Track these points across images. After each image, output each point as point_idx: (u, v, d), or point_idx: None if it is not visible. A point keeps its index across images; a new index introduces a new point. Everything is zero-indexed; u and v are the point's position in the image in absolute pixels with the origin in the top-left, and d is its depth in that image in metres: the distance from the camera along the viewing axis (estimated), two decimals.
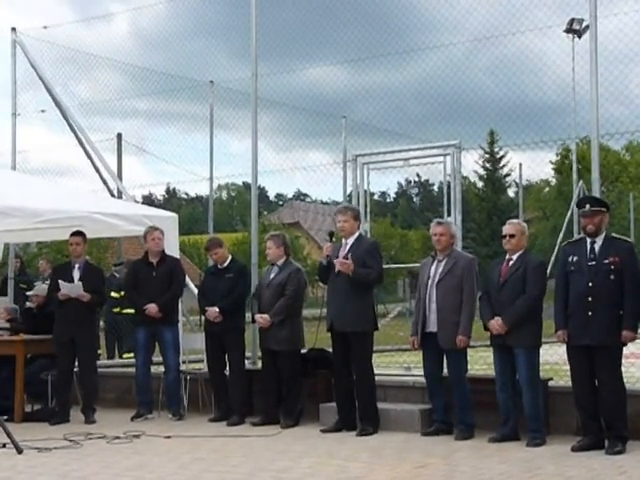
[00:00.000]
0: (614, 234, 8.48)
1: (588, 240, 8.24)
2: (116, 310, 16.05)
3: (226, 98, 15.71)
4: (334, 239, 9.79)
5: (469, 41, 11.90)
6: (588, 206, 8.34)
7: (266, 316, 10.06)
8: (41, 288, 12.05)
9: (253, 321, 10.38)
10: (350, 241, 9.60)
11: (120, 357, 15.87)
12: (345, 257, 9.44)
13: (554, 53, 12.17)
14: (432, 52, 12.13)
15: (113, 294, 15.93)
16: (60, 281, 10.69)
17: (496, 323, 8.67)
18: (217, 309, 10.39)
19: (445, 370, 9.29)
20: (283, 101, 15.17)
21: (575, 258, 8.26)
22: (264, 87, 12.06)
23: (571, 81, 15.18)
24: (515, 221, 9.23)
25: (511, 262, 8.81)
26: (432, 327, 9.16)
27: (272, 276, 10.26)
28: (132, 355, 13.43)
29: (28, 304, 12.06)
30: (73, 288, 10.64)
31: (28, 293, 12.26)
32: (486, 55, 11.93)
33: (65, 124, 14.22)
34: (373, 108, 14.30)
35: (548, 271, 9.47)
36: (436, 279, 9.20)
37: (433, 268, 9.28)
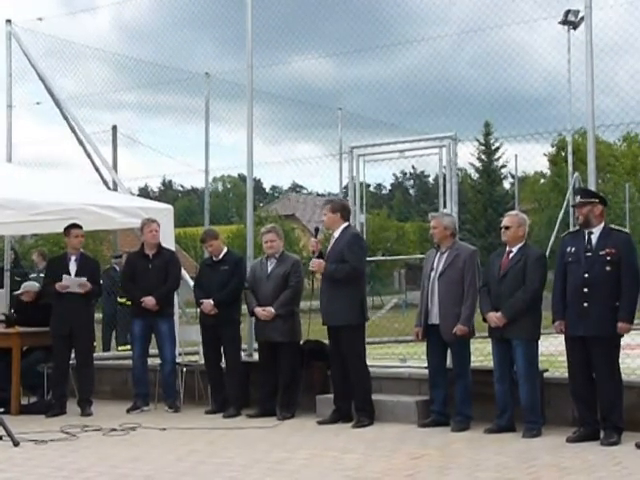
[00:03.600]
0: (612, 225, 8.50)
1: (586, 231, 8.26)
2: (122, 301, 16.02)
3: (215, 90, 15.68)
4: (320, 234, 9.86)
5: (456, 33, 11.87)
6: (578, 197, 8.48)
7: (270, 308, 10.05)
8: (29, 285, 12.08)
9: (252, 314, 10.36)
10: (337, 234, 9.63)
11: (116, 349, 15.88)
12: (319, 256, 9.53)
13: (550, 45, 12.16)
14: (419, 45, 12.11)
15: None
16: (65, 276, 10.69)
17: (494, 316, 8.68)
18: (212, 302, 10.40)
19: (449, 362, 9.34)
20: (272, 93, 15.16)
21: (573, 249, 8.28)
22: (253, 79, 12.04)
23: (561, 73, 15.16)
24: (513, 213, 9.24)
25: (511, 254, 8.82)
26: (435, 319, 9.20)
27: (271, 268, 10.26)
28: (128, 347, 13.46)
29: (17, 293, 12.11)
30: (77, 281, 10.65)
31: (15, 293, 12.28)
32: (474, 47, 11.93)
33: (56, 116, 14.18)
34: (362, 100, 14.31)
35: None
36: (438, 271, 9.23)
37: (436, 260, 9.31)
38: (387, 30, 12.47)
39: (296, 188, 68.30)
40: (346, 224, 9.69)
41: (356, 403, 9.49)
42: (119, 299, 16.25)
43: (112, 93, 16.19)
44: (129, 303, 15.03)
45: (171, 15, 15.55)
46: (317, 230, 9.95)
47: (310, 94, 15.53)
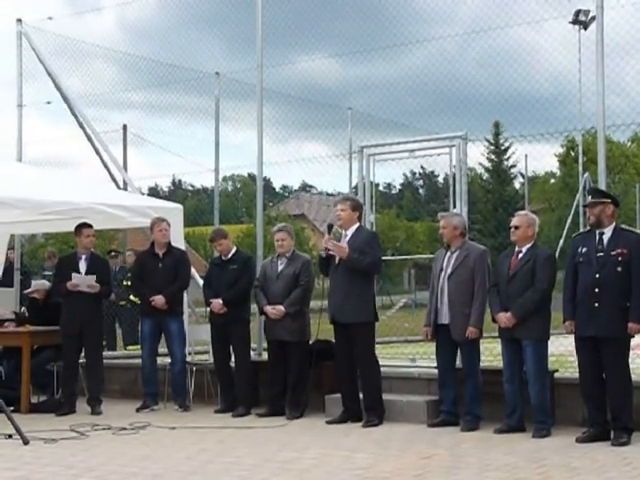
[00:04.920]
0: (623, 226, 8.49)
1: (597, 231, 8.25)
2: (133, 299, 16.06)
3: (223, 89, 15.69)
4: (333, 232, 9.79)
5: (466, 33, 11.84)
6: (590, 197, 8.45)
7: (280, 307, 10.06)
8: (39, 283, 12.13)
9: (261, 313, 10.37)
10: (350, 232, 9.62)
11: (125, 348, 15.90)
12: (327, 255, 9.51)
13: (561, 44, 12.11)
14: (429, 44, 12.09)
15: (125, 283, 15.98)
16: (74, 274, 10.71)
17: (504, 316, 8.67)
18: (221, 301, 10.41)
19: (458, 362, 9.34)
20: (279, 92, 15.15)
21: (584, 249, 8.26)
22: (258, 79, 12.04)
23: (571, 72, 15.11)
24: (522, 212, 9.24)
25: (520, 254, 8.81)
26: (444, 319, 9.20)
27: (281, 267, 10.26)
28: (137, 347, 13.47)
29: (27, 291, 12.13)
30: (85, 280, 10.67)
31: (26, 291, 12.29)
32: (484, 46, 11.90)
33: (65, 116, 14.16)
34: (370, 100, 14.28)
35: None
36: (448, 271, 9.23)
37: (445, 260, 9.31)
38: (394, 30, 12.46)
39: (306, 187, 68.25)
40: (358, 224, 9.71)
41: (366, 402, 9.48)
42: (121, 302, 16.31)
43: (120, 92, 16.20)
44: (136, 300, 15.13)
45: (177, 15, 15.52)
46: (331, 227, 9.85)
47: (317, 94, 15.53)
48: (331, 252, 9.47)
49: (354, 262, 9.37)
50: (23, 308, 12.55)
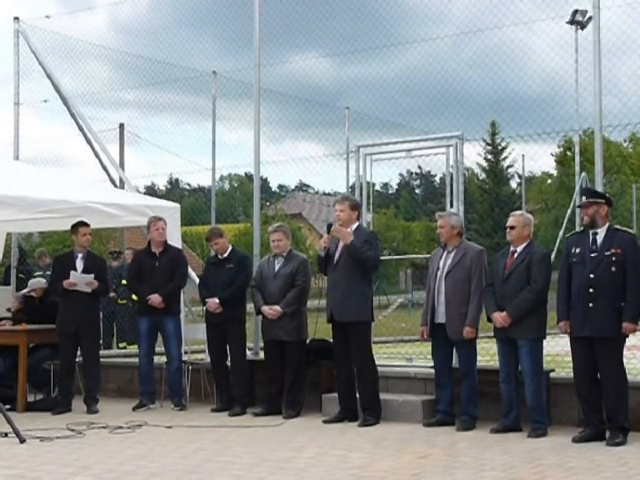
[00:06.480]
0: (617, 226, 8.50)
1: (590, 232, 8.26)
2: (123, 302, 16.08)
3: (218, 88, 15.69)
4: (332, 231, 9.77)
5: (463, 33, 11.86)
6: (584, 198, 8.45)
7: (277, 307, 10.05)
8: (35, 282, 12.11)
9: (258, 313, 10.35)
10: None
11: (118, 346, 15.91)
12: (327, 254, 9.51)
13: (557, 45, 12.14)
14: (425, 44, 12.11)
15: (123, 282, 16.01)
16: (72, 272, 10.70)
17: (500, 316, 8.67)
18: (217, 300, 10.41)
19: (454, 361, 9.34)
20: (273, 91, 15.17)
21: (578, 249, 8.28)
22: (252, 78, 12.03)
23: (568, 72, 15.17)
24: (518, 213, 9.23)
25: (516, 254, 8.82)
26: (441, 318, 9.20)
27: (278, 267, 10.26)
28: (130, 345, 13.48)
29: (25, 291, 12.12)
30: (84, 278, 10.67)
31: (23, 292, 12.28)
32: (481, 46, 11.94)
33: (61, 114, 14.19)
34: (363, 100, 14.34)
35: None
36: (445, 270, 9.23)
37: (442, 259, 9.31)
38: (390, 29, 12.49)
39: (303, 187, 68.16)
40: (358, 223, 9.71)
41: (363, 402, 9.48)
42: (119, 301, 16.33)
43: (115, 91, 16.21)
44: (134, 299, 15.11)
45: (170, 13, 15.56)
46: (330, 226, 9.84)
47: (313, 93, 15.56)
48: (335, 234, 9.43)
49: (356, 251, 9.34)
50: (15, 303, 12.45)
